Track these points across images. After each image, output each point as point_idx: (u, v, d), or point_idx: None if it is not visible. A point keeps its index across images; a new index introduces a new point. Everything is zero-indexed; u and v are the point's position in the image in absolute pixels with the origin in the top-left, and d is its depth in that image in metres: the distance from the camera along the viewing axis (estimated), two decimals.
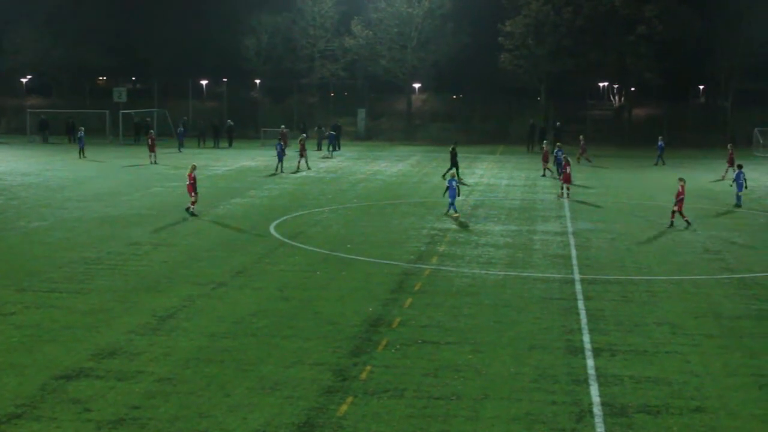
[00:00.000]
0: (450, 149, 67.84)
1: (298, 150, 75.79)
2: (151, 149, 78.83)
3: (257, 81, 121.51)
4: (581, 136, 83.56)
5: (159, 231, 44.71)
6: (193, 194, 49.43)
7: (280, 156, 72.81)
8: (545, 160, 70.82)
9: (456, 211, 48.62)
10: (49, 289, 32.60)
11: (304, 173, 71.92)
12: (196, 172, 50.47)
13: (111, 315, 29.17)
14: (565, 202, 54.54)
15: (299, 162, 74.47)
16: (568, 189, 57.12)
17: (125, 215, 49.48)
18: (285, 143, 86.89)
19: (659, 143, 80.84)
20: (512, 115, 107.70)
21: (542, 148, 73.03)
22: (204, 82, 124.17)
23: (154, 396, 21.92)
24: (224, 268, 36.38)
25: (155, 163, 77.46)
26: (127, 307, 30.11)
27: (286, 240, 42.53)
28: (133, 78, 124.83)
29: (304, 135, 77.48)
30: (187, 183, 49.61)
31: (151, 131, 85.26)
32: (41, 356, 25.02)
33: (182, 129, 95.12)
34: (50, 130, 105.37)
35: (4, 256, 38.69)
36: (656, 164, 79.92)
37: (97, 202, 54.66)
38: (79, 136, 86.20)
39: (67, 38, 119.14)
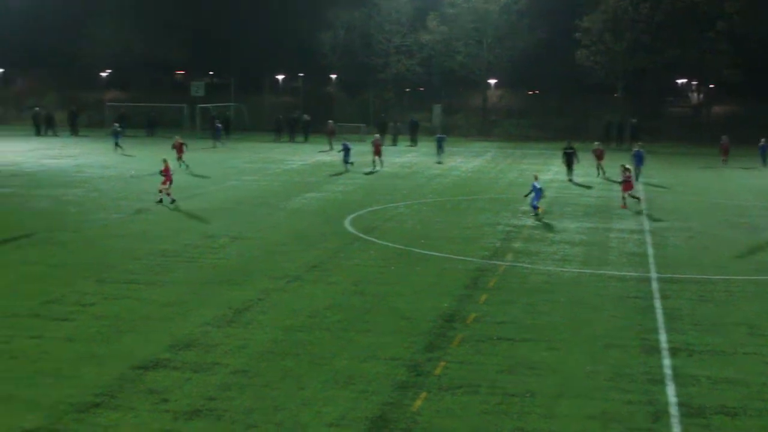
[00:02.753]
0: (564, 148, 67.38)
1: (372, 149, 73.72)
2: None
3: (333, 76, 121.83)
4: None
5: (235, 224, 44.99)
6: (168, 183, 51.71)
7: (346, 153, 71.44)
8: (599, 158, 68.97)
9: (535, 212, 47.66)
10: (127, 281, 32.96)
11: (378, 169, 71.75)
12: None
13: (187, 307, 29.43)
14: (641, 200, 53.56)
15: (374, 160, 72.77)
16: (633, 197, 52.35)
17: (202, 208, 49.86)
18: (331, 137, 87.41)
19: (762, 144, 77.74)
20: (588, 112, 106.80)
21: (596, 148, 70.28)
22: (280, 77, 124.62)
23: (229, 388, 22.07)
24: (299, 261, 36.53)
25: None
26: (204, 300, 30.36)
27: (361, 235, 42.60)
28: (211, 72, 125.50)
29: (378, 135, 76.06)
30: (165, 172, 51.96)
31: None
32: (119, 346, 25.30)
33: (219, 125, 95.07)
34: (128, 124, 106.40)
35: (84, 248, 39.20)
36: (765, 165, 76.77)
37: (175, 194, 55.06)
38: (114, 129, 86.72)
39: (147, 32, 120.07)
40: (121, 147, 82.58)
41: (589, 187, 61.79)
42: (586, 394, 21.82)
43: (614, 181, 44.71)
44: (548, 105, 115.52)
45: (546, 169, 72.65)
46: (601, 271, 35.64)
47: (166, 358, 24.31)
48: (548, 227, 45.55)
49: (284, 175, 64.49)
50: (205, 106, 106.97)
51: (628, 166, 49.96)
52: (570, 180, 63.69)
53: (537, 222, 45.91)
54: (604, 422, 20.10)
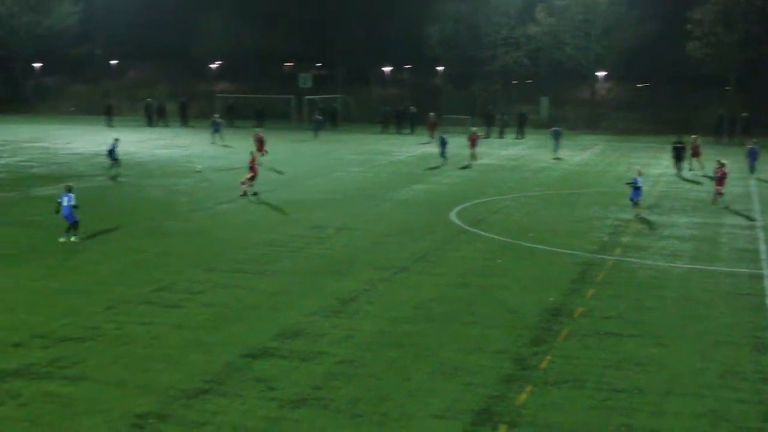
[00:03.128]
0: (673, 142, 66.11)
1: (468, 143, 72.72)
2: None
3: (440, 68, 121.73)
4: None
5: (341, 215, 45.22)
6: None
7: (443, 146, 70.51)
8: (695, 155, 66.77)
9: (635, 207, 46.19)
10: (235, 270, 33.33)
11: (473, 163, 71.44)
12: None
13: (294, 297, 29.66)
14: (754, 194, 52.54)
15: (471, 153, 71.77)
16: (718, 195, 50.06)
17: (309, 199, 50.19)
18: (432, 130, 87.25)
19: (750, 147, 75.51)
20: (699, 106, 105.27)
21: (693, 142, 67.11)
22: (387, 69, 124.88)
23: (335, 377, 22.21)
24: (405, 253, 36.58)
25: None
26: (310, 290, 30.56)
27: (467, 227, 42.53)
28: (319, 64, 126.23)
29: (475, 129, 75.16)
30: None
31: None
32: (227, 334, 25.60)
33: (320, 118, 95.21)
34: (237, 115, 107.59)
35: (194, 237, 39.71)
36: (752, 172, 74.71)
37: (281, 186, 55.52)
38: (213, 120, 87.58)
39: (255, 24, 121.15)
40: (221, 138, 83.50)
41: (698, 183, 60.91)
42: (695, 391, 21.55)
43: (709, 177, 43.40)
44: (657, 98, 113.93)
45: (655, 163, 71.79)
46: (712, 267, 35.16)
47: (273, 346, 24.54)
48: (657, 222, 45.05)
49: (391, 167, 64.66)
50: (312, 98, 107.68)
51: (723, 161, 48.07)
52: (679, 175, 62.70)
53: (637, 216, 45.24)
54: (713, 420, 19.84)
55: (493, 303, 29.19)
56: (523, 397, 21.01)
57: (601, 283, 32.12)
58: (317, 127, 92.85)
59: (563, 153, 78.63)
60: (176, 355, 23.78)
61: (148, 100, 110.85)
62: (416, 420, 19.70)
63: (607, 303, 29.39)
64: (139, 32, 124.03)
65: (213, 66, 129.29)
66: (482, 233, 41.14)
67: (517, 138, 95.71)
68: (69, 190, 37.30)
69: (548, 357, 23.87)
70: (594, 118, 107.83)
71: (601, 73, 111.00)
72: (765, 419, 19.99)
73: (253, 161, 51.80)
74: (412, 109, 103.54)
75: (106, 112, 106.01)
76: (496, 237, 40.24)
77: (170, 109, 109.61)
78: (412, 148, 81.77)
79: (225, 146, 79.81)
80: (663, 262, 35.79)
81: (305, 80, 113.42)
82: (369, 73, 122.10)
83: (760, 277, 33.42)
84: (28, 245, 37.30)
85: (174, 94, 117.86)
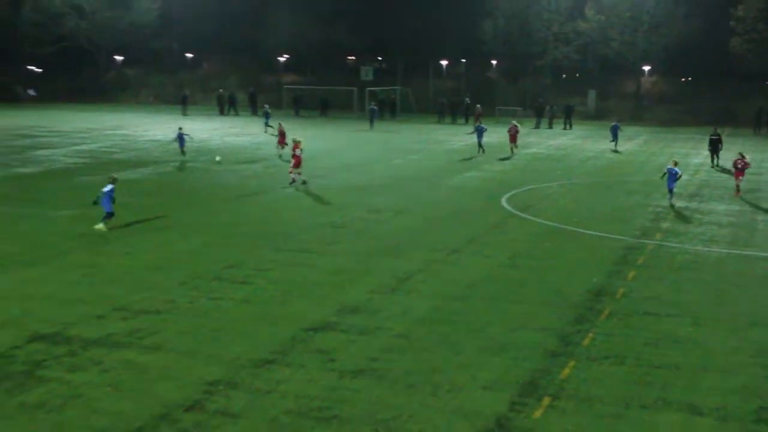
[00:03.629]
0: (711, 134, 64.54)
1: (508, 137, 69.93)
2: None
3: (494, 62, 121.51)
4: None
5: (399, 199, 45.34)
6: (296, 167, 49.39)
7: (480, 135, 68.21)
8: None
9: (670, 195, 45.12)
10: (300, 249, 33.58)
11: (512, 156, 71.24)
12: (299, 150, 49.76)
13: (354, 275, 29.87)
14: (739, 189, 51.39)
15: (511, 147, 69.14)
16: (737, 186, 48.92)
17: (369, 184, 50.35)
18: (478, 120, 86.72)
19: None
20: (740, 98, 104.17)
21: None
22: (444, 63, 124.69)
23: (391, 350, 22.40)
24: (458, 235, 36.67)
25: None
26: (369, 269, 30.76)
27: (517, 212, 42.53)
28: (380, 58, 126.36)
29: (515, 122, 72.16)
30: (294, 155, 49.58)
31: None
32: (292, 309, 25.86)
33: (375, 108, 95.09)
34: (303, 105, 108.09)
35: (263, 219, 40.02)
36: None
37: (344, 171, 55.72)
38: (265, 111, 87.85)
39: (321, 19, 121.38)
40: (271, 126, 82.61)
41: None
42: (728, 369, 21.53)
43: (726, 170, 42.55)
44: (700, 91, 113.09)
45: (695, 153, 71.16)
46: (747, 252, 34.95)
47: (334, 321, 24.76)
48: (697, 209, 44.80)
49: (445, 155, 64.64)
50: (373, 90, 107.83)
51: (744, 154, 46.21)
52: (714, 166, 61.93)
53: (672, 204, 44.84)
54: (745, 396, 19.82)
55: (539, 283, 29.26)
56: (566, 371, 21.10)
57: (642, 266, 32.06)
58: (372, 117, 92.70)
59: (608, 143, 78.23)
60: (244, 328, 24.08)
61: (220, 90, 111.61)
62: (465, 391, 19.85)
63: (646, 285, 29.36)
64: (212, 27, 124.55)
65: (280, 59, 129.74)
66: (531, 218, 41.13)
67: (564, 129, 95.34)
68: (113, 181, 36.54)
69: (590, 334, 23.92)
70: (639, 110, 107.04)
71: (646, 68, 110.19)
72: None
73: (295, 148, 49.51)
74: (467, 100, 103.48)
75: (182, 101, 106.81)
76: (544, 222, 40.22)
77: (240, 100, 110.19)
78: (466, 137, 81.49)
79: (273, 135, 79.99)
80: (701, 247, 35.65)
81: (367, 73, 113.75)
82: (427, 66, 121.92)
83: None
84: (125, 225, 37.69)
85: (244, 86, 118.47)
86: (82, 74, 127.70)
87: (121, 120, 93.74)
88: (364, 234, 36.77)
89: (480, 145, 67.64)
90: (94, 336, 23.28)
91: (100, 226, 35.27)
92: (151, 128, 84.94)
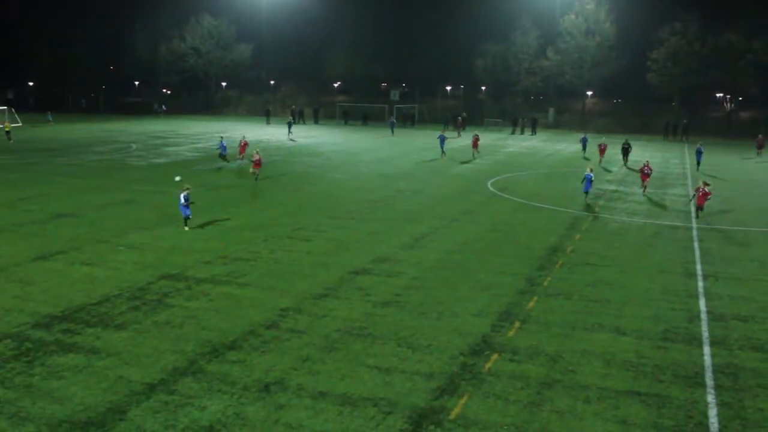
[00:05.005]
0: (623, 143, 61.63)
1: (471, 143, 63.91)
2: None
3: (483, 87, 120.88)
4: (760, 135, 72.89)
5: (416, 183, 45.16)
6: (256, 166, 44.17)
7: (442, 141, 61.61)
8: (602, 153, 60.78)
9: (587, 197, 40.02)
10: (347, 217, 33.55)
11: (475, 159, 70.72)
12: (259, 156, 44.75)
13: (384, 236, 29.82)
14: (689, 175, 50.59)
15: (473, 152, 62.80)
16: (644, 187, 43.88)
17: (395, 173, 50.20)
18: (460, 128, 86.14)
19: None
20: (653, 115, 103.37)
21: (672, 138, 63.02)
22: (448, 88, 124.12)
23: (409, 288, 22.37)
24: (458, 208, 36.55)
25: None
26: (395, 231, 30.70)
27: (498, 192, 42.32)
28: (404, 84, 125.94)
29: (477, 133, 66.40)
30: (254, 160, 44.18)
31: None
32: (340, 258, 25.84)
33: (394, 120, 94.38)
34: (350, 117, 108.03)
35: (321, 196, 39.99)
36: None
37: (379, 163, 55.60)
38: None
39: (363, 57, 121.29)
40: (291, 132, 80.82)
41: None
42: (644, 303, 21.46)
43: (690, 198, 37.85)
44: (626, 109, 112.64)
45: (618, 153, 70.61)
46: (658, 222, 34.65)
47: (369, 267, 24.74)
48: (623, 192, 44.41)
49: (449, 153, 64.27)
50: (399, 106, 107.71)
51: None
52: (624, 165, 59.63)
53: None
54: (656, 321, 19.78)
55: (513, 242, 29.15)
56: (531, 304, 21.06)
57: (584, 231, 31.86)
58: (392, 126, 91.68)
59: (562, 145, 77.61)
60: (307, 271, 24.11)
61: (293, 106, 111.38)
62: (461, 317, 19.83)
63: (588, 244, 29.19)
64: (288, 62, 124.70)
65: (335, 84, 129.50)
66: (508, 197, 40.92)
67: (532, 135, 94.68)
68: (186, 189, 29.95)
69: (548, 278, 23.83)
70: (583, 122, 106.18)
71: (589, 92, 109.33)
72: (689, 321, 19.88)
73: (255, 156, 44.41)
74: (464, 114, 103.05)
75: (266, 114, 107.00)
76: (517, 199, 40.02)
77: (306, 113, 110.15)
78: (462, 141, 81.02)
79: (292, 140, 79.74)
80: (626, 218, 35.37)
81: (395, 94, 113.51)
82: (436, 90, 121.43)
83: (689, 229, 32.90)
84: (216, 200, 37.82)
85: (309, 103, 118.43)
86: (198, 95, 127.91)
87: (224, 127, 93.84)
88: (392, 207, 36.70)
89: (442, 149, 61.36)
90: (204, 276, 23.36)
91: (186, 229, 30.02)
92: (245, 133, 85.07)
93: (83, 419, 13.96)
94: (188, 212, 29.89)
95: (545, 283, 23.26)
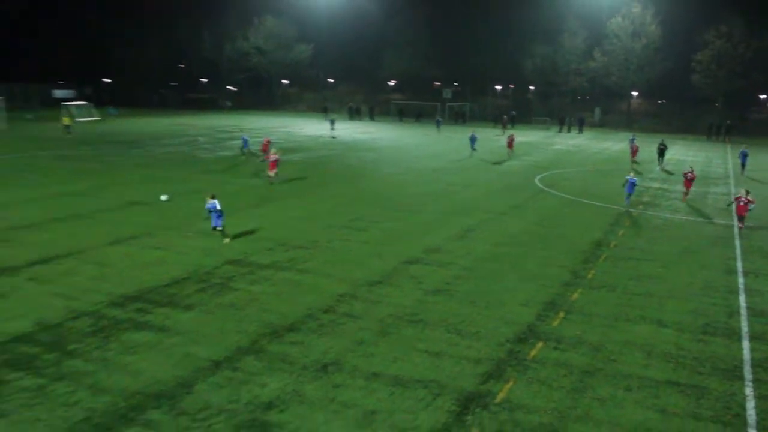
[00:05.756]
0: (659, 144, 59.13)
1: (506, 143, 61.86)
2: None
3: (531, 87, 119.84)
4: None
5: (466, 178, 44.98)
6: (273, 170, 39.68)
7: (473, 141, 59.25)
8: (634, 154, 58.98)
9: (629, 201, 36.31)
10: (400, 209, 33.60)
11: (509, 160, 70.09)
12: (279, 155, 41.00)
13: (435, 227, 29.83)
14: (731, 176, 49.79)
15: (507, 152, 60.66)
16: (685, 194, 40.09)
17: (446, 168, 50.08)
18: (505, 126, 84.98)
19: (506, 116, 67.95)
20: (697, 116, 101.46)
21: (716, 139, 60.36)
22: (498, 87, 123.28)
23: (459, 278, 22.38)
24: (506, 202, 36.36)
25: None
26: (446, 223, 30.68)
27: (545, 188, 42.00)
28: (455, 83, 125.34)
29: (513, 133, 66.48)
30: (270, 161, 39.81)
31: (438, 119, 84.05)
32: (394, 248, 25.93)
33: (440, 119, 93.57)
34: (404, 115, 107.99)
35: (375, 189, 40.06)
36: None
37: (431, 159, 55.52)
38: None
39: (417, 57, 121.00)
40: (333, 129, 79.23)
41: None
42: (685, 297, 21.17)
43: (729, 204, 35.32)
44: (670, 110, 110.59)
45: (667, 150, 69.35)
46: (700, 219, 34.10)
47: (421, 257, 24.80)
48: (666, 189, 43.76)
49: (499, 149, 63.91)
50: (450, 105, 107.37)
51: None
52: (660, 166, 57.03)
53: (659, 184, 43.77)
54: (696, 315, 19.53)
55: (559, 236, 28.93)
56: (576, 295, 20.93)
57: (628, 226, 31.48)
58: (438, 125, 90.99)
59: (607, 143, 76.68)
60: (362, 260, 24.25)
61: (350, 104, 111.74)
62: (508, 306, 19.81)
63: (631, 239, 28.86)
64: (346, 61, 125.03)
65: (390, 83, 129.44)
66: (554, 192, 40.59)
67: (578, 133, 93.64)
68: (213, 197, 26.18)
69: (592, 271, 23.65)
70: (628, 122, 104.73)
71: (634, 93, 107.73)
72: (729, 316, 19.57)
73: (268, 156, 41.29)
74: (513, 113, 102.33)
75: (324, 110, 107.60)
76: (563, 195, 39.67)
77: (363, 110, 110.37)
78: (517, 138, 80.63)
79: (333, 138, 79.69)
80: (668, 215, 34.85)
81: (447, 93, 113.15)
82: (486, 89, 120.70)
83: (730, 227, 32.30)
84: (277, 191, 38.13)
85: (366, 101, 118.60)
86: (260, 92, 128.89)
87: (285, 122, 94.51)
88: (443, 200, 36.65)
89: (473, 148, 59.27)
90: (266, 262, 23.66)
91: (227, 240, 26.26)
92: (304, 127, 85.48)
93: (154, 392, 14.32)
94: (217, 222, 26.04)
95: (589, 276, 23.09)
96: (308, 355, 16.25)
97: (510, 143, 60.73)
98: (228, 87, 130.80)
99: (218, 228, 26.25)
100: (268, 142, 50.90)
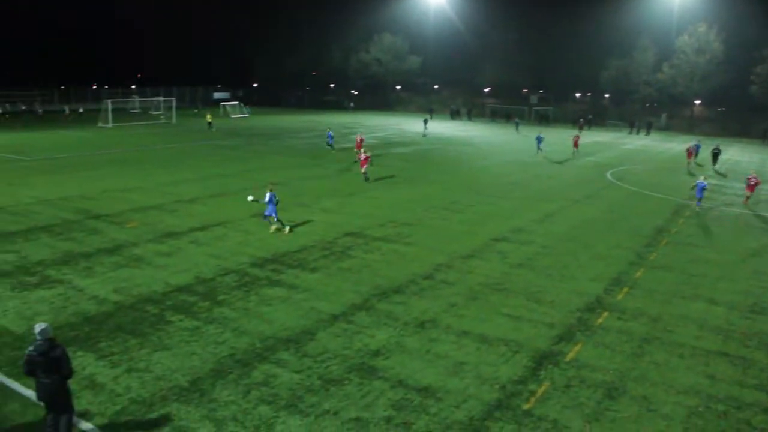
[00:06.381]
0: (713, 148, 54.62)
1: (572, 143, 57.96)
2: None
3: (606, 95, 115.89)
4: None
5: (550, 170, 44.01)
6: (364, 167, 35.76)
7: (539, 141, 54.04)
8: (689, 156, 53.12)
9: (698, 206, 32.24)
10: (491, 195, 33.20)
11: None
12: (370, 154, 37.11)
13: (520, 211, 29.35)
14: None
15: (573, 151, 56.44)
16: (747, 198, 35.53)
17: (531, 161, 49.06)
18: (581, 128, 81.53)
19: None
20: (753, 123, 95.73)
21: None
22: (578, 94, 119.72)
23: (538, 255, 21.98)
24: (581, 192, 35.39)
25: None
26: (529, 208, 30.15)
27: (615, 181, 40.62)
28: (541, 90, 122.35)
29: (577, 134, 61.63)
30: (362, 159, 36.06)
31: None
32: (484, 228, 25.65)
33: (518, 121, 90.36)
34: (497, 116, 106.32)
35: (471, 177, 39.66)
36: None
37: (518, 153, 54.49)
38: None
39: (508, 68, 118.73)
40: (426, 128, 75.50)
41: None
42: (736, 280, 20.17)
43: (720, 173, 33.96)
44: (728, 116, 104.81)
45: (724, 152, 65.76)
46: (752, 212, 32.28)
47: (507, 236, 24.45)
48: (723, 185, 41.62)
49: (586, 147, 62.21)
50: (536, 108, 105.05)
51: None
52: (713, 169, 51.37)
53: (715, 180, 41.65)
54: (746, 296, 18.61)
55: (625, 222, 27.98)
56: (639, 274, 20.24)
57: (687, 216, 30.11)
58: (517, 126, 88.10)
59: (671, 144, 73.44)
60: (458, 236, 24.12)
61: (451, 106, 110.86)
62: (579, 280, 19.34)
63: (689, 228, 27.60)
64: (449, 70, 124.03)
65: (485, 90, 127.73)
66: (623, 185, 39.21)
67: (646, 135, 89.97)
68: (271, 189, 23.71)
69: (654, 254, 22.78)
70: (691, 126, 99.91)
71: (697, 101, 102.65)
72: None
73: (360, 156, 36.97)
74: (590, 116, 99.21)
75: (429, 112, 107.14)
76: (631, 187, 38.29)
77: (462, 111, 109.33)
78: (590, 137, 78.20)
79: (424, 136, 78.54)
80: (724, 207, 33.15)
81: (533, 99, 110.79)
82: (567, 96, 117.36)
83: None
84: (387, 178, 38.26)
85: (465, 103, 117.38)
86: (378, 95, 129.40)
87: (398, 120, 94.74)
88: (528, 188, 35.98)
89: (539, 147, 53.83)
90: (378, 235, 23.84)
91: (286, 228, 23.83)
92: (414, 126, 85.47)
93: (284, 337, 14.69)
94: (270, 212, 23.50)
95: (651, 258, 22.25)
96: (410, 313, 16.32)
97: (575, 143, 57.75)
98: (352, 91, 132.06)
99: (272, 217, 23.61)
100: (362, 140, 46.54)
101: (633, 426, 11.61)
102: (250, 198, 23.59)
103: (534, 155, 52.94)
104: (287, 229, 23.82)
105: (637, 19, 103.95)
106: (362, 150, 39.71)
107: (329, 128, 60.44)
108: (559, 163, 49.24)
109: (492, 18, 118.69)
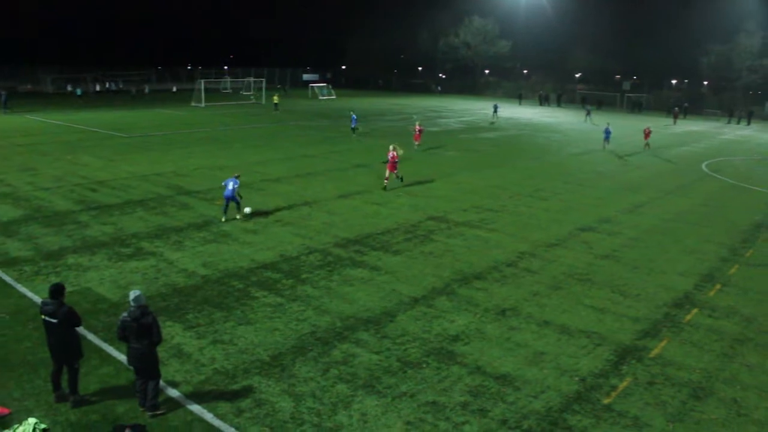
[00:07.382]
0: None
1: (643, 135, 52.77)
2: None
3: (705, 82, 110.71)
4: None
5: (637, 160, 42.49)
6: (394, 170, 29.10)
7: (607, 134, 48.54)
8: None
9: None
10: (577, 184, 32.41)
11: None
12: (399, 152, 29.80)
13: (608, 201, 28.54)
14: None
15: (646, 143, 50.28)
16: None
17: (620, 150, 47.47)
18: (676, 118, 78.16)
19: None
20: None
21: None
22: (674, 81, 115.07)
23: (625, 246, 21.34)
24: (674, 183, 34.03)
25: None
26: (617, 198, 29.26)
27: (711, 173, 38.83)
28: (635, 77, 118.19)
29: (649, 126, 55.89)
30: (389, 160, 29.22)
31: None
32: (570, 217, 25.08)
33: (588, 107, 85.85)
34: (587, 103, 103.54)
35: (558, 165, 38.79)
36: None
37: (600, 142, 52.96)
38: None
39: (600, 53, 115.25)
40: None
41: None
42: None
43: None
44: None
45: None
46: None
47: (594, 226, 23.85)
48: None
49: (671, 137, 59.76)
50: (629, 95, 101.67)
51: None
52: None
53: None
54: None
55: (720, 216, 26.74)
56: (733, 270, 19.33)
57: None
58: (588, 114, 78.30)
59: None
60: (542, 224, 23.70)
61: (540, 92, 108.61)
62: (668, 274, 18.65)
63: None
64: (539, 55, 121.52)
65: (576, 75, 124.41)
66: (719, 177, 37.44)
67: (746, 125, 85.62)
68: (237, 176, 22.13)
69: (750, 251, 21.69)
70: None
71: None
72: None
73: (392, 158, 28.94)
74: (685, 104, 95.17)
75: (518, 97, 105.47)
76: (727, 179, 36.52)
77: (551, 97, 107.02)
78: (683, 126, 75.00)
79: (492, 123, 76.65)
80: None
81: (626, 85, 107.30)
82: (663, 83, 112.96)
83: None
84: (473, 163, 37.93)
85: (554, 89, 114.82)
86: (466, 79, 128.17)
87: (484, 105, 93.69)
88: (616, 178, 34.90)
89: (607, 139, 48.27)
90: (461, 220, 23.70)
91: (237, 216, 22.46)
92: (506, 111, 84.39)
93: (364, 317, 14.83)
94: (236, 199, 22.03)
95: (747, 254, 21.18)
96: (490, 300, 16.17)
97: (647, 135, 50.75)
98: (439, 75, 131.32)
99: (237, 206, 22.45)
100: (421, 130, 43.02)
101: (720, 429, 11.14)
102: (247, 210, 22.51)
103: (601, 150, 49.54)
104: (245, 211, 22.44)
105: (742, 1, 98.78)
106: (390, 148, 29.56)
107: (352, 111, 57.28)
108: (654, 152, 47.49)
109: (584, 1, 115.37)
